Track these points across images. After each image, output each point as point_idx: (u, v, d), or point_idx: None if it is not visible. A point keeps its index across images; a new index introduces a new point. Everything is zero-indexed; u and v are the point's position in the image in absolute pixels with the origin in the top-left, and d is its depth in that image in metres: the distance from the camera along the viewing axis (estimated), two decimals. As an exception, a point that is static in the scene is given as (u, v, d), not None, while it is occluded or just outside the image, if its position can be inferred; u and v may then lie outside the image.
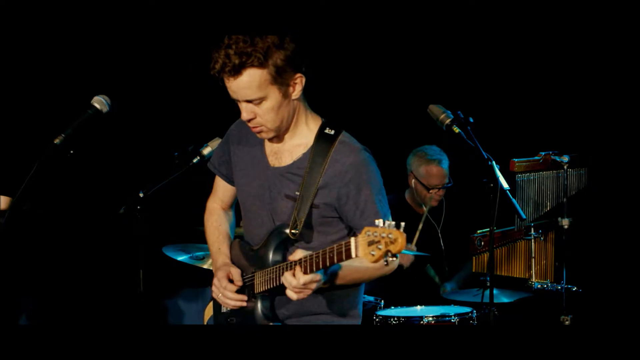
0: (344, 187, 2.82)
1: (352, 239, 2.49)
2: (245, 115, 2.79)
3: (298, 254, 2.72)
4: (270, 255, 2.87)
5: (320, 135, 2.87)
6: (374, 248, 2.41)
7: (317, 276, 2.67)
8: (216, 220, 3.17)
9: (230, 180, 3.12)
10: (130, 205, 3.97)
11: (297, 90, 2.80)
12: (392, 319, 4.29)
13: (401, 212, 5.10)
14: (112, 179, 5.13)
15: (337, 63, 5.43)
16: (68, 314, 5.18)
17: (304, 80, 2.80)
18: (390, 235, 2.39)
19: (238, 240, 3.11)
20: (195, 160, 3.90)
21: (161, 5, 4.92)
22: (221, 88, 2.87)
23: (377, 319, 4.38)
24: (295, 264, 2.70)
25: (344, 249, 2.52)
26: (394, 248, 2.38)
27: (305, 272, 2.66)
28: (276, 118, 2.79)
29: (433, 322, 4.21)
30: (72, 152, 2.93)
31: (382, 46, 5.42)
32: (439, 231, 5.09)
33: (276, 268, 2.81)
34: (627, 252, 4.93)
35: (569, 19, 4.99)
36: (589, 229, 4.79)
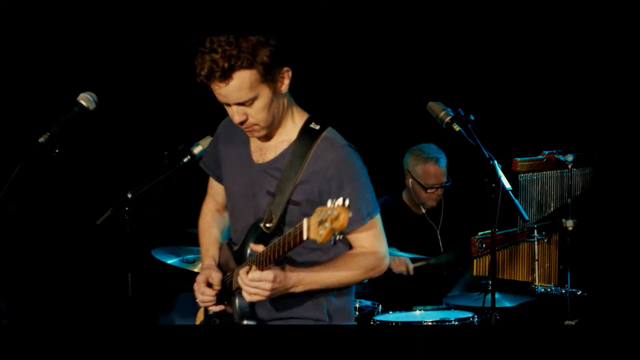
0: (325, 183, 2.84)
1: (305, 220, 2.55)
2: (237, 118, 2.81)
3: (259, 248, 2.79)
4: (248, 251, 2.91)
5: (304, 130, 2.90)
6: (322, 227, 2.47)
7: (269, 275, 2.71)
8: (208, 222, 3.21)
9: (220, 180, 3.16)
10: (118, 206, 3.97)
11: (285, 84, 2.83)
12: (390, 324, 4.29)
13: (398, 213, 5.10)
14: (99, 179, 5.12)
15: (334, 60, 5.43)
16: (54, 318, 5.17)
17: (290, 73, 2.83)
18: (334, 212, 2.44)
19: (226, 241, 3.16)
20: (185, 160, 3.89)
21: (150, 2, 4.93)
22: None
23: (374, 324, 4.38)
24: (254, 260, 2.76)
25: (297, 232, 2.58)
26: (337, 224, 2.43)
27: (261, 267, 2.73)
28: (268, 116, 2.83)
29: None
30: (57, 151, 2.93)
31: (381, 42, 5.43)
32: (438, 233, 5.09)
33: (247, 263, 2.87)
34: (634, 254, 4.93)
35: (574, 16, 5.00)
36: (594, 230, 4.78)
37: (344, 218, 2.42)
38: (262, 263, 2.75)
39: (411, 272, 4.93)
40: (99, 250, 5.12)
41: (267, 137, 2.94)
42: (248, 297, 2.78)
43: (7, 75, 5.04)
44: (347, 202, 2.45)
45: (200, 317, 3.26)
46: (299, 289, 2.81)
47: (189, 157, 3.90)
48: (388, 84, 5.52)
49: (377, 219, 2.91)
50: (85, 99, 3.02)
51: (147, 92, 5.25)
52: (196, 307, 3.29)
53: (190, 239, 4.64)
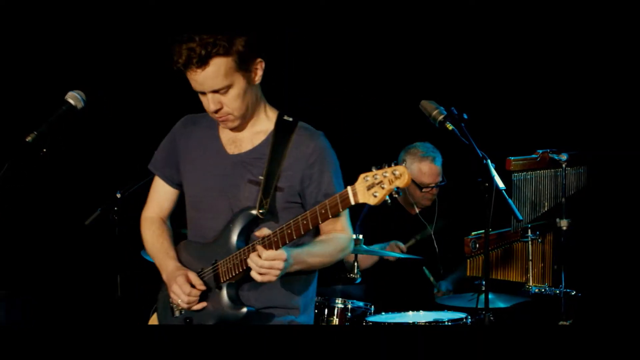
0: (307, 169, 3.01)
1: (349, 188, 2.73)
2: (212, 107, 2.95)
3: (265, 231, 2.87)
4: (235, 239, 2.98)
5: (280, 122, 3.07)
6: (377, 189, 2.67)
7: (282, 254, 2.82)
8: (158, 228, 3.25)
9: (173, 183, 3.23)
10: (107, 206, 3.96)
11: (258, 75, 3.00)
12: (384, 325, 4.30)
13: (392, 212, 5.10)
14: (87, 179, 5.11)
15: (329, 58, 5.44)
16: (41, 320, 5.16)
17: (263, 64, 2.99)
18: (395, 172, 2.66)
19: (184, 242, 3.19)
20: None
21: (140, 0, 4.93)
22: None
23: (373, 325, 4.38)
24: (261, 242, 2.85)
25: (339, 200, 2.74)
26: (401, 182, 2.66)
27: (284, 243, 2.83)
28: (242, 105, 2.97)
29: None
30: (45, 150, 2.92)
31: (374, 40, 5.44)
32: (432, 232, 5.09)
33: (242, 251, 2.93)
34: (628, 254, 4.95)
35: (567, 14, 5.02)
36: (589, 230, 4.80)
37: (408, 176, 2.65)
38: (275, 244, 2.84)
39: (404, 250, 4.91)
40: (87, 251, 5.11)
41: (240, 129, 3.06)
42: (259, 278, 2.85)
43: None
44: (403, 162, 2.70)
45: (154, 321, 3.24)
46: (294, 267, 2.92)
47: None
48: (381, 82, 5.52)
49: None
50: (74, 98, 3.02)
51: (136, 91, 5.24)
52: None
53: (180, 240, 4.62)
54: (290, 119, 3.07)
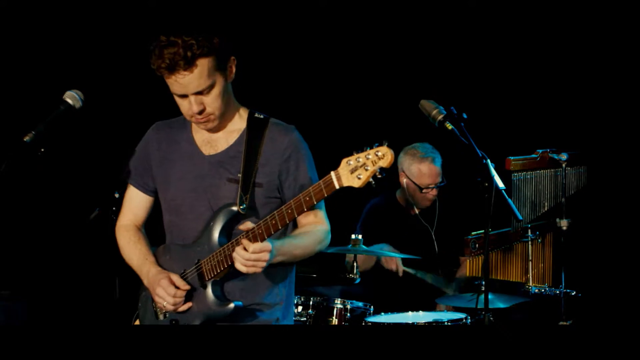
0: (284, 163, 3.05)
1: (332, 172, 2.76)
2: (195, 108, 2.95)
3: (248, 224, 2.89)
4: (217, 237, 3.00)
5: (252, 120, 3.10)
6: (360, 172, 2.70)
7: (268, 245, 2.84)
8: (134, 235, 3.27)
9: (147, 190, 3.25)
10: (104, 206, 3.94)
11: (233, 73, 3.02)
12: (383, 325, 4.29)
13: (392, 213, 5.10)
14: (85, 179, 5.11)
15: (328, 57, 5.44)
16: (40, 321, 5.15)
17: (236, 62, 3.02)
18: (378, 153, 2.69)
19: (163, 246, 3.20)
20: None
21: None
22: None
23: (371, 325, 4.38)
24: (246, 235, 2.87)
25: (323, 186, 2.76)
26: (384, 162, 2.69)
27: (269, 234, 2.86)
28: (222, 103, 3.00)
29: (425, 328, 4.22)
30: (43, 150, 2.92)
31: (373, 39, 5.44)
32: (433, 233, 5.09)
33: (226, 247, 2.95)
34: (628, 254, 4.95)
35: (566, 14, 5.02)
36: (589, 230, 4.80)
37: (391, 155, 2.68)
38: (260, 236, 2.87)
39: (400, 274, 4.93)
40: (85, 252, 5.10)
41: (217, 129, 3.08)
42: (245, 270, 2.86)
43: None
44: (385, 142, 2.70)
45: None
46: (277, 259, 2.94)
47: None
48: (380, 81, 5.52)
49: None
50: (72, 97, 3.01)
51: (134, 90, 5.24)
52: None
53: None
54: (262, 116, 3.10)
